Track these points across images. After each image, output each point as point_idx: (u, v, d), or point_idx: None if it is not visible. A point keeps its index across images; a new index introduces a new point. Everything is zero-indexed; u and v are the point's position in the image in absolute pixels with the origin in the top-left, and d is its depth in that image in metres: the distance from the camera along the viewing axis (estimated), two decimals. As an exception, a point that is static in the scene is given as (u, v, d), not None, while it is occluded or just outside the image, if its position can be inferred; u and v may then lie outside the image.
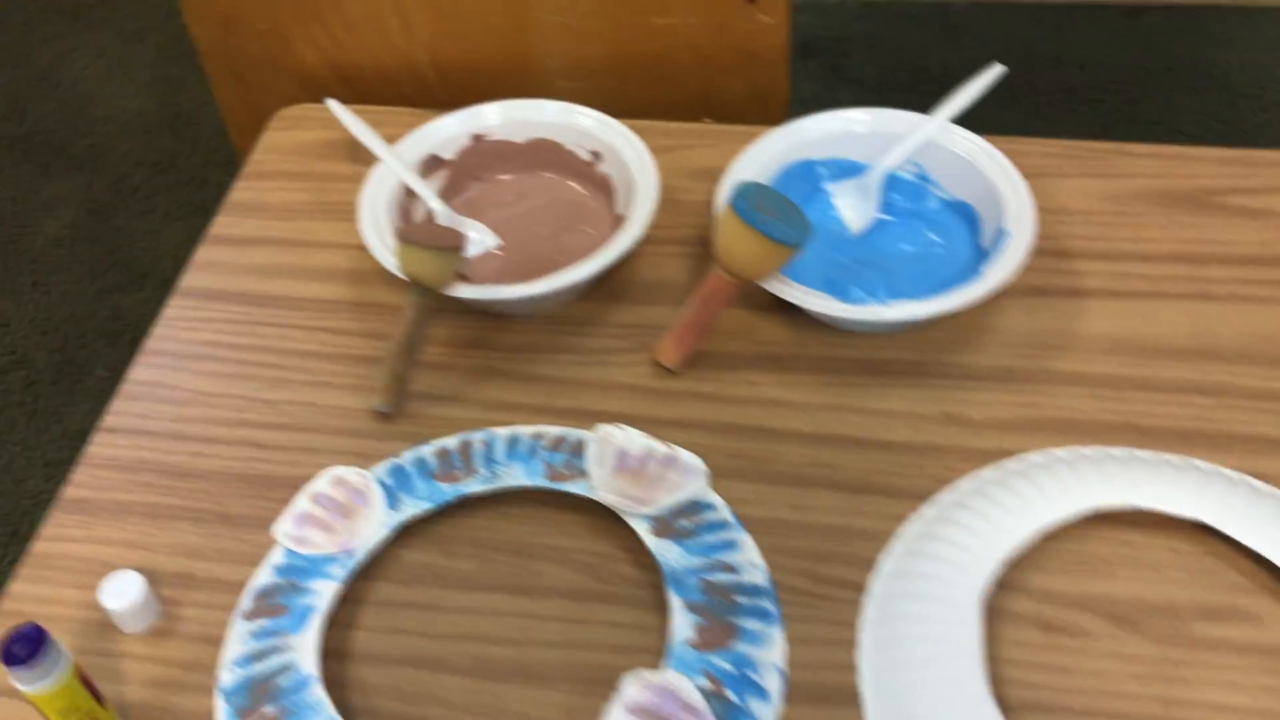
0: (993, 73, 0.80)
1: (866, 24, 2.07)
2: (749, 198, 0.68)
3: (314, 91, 0.94)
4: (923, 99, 1.93)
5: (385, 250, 0.74)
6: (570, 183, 0.84)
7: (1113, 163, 0.84)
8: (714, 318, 0.72)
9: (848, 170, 0.82)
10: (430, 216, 0.81)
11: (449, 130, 0.83)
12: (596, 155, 0.82)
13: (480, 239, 0.81)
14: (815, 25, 2.08)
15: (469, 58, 0.92)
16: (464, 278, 0.77)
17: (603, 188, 0.83)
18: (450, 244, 0.70)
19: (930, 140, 0.80)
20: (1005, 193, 0.75)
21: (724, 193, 0.76)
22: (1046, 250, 0.79)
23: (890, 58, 1.99)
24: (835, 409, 0.71)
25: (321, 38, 0.92)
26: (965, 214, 0.78)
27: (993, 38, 2.02)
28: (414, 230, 0.70)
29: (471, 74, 0.93)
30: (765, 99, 0.95)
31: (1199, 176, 0.83)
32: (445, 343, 0.77)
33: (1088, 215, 0.81)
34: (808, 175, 0.81)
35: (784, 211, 0.69)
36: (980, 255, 0.76)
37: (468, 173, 0.84)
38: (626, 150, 0.80)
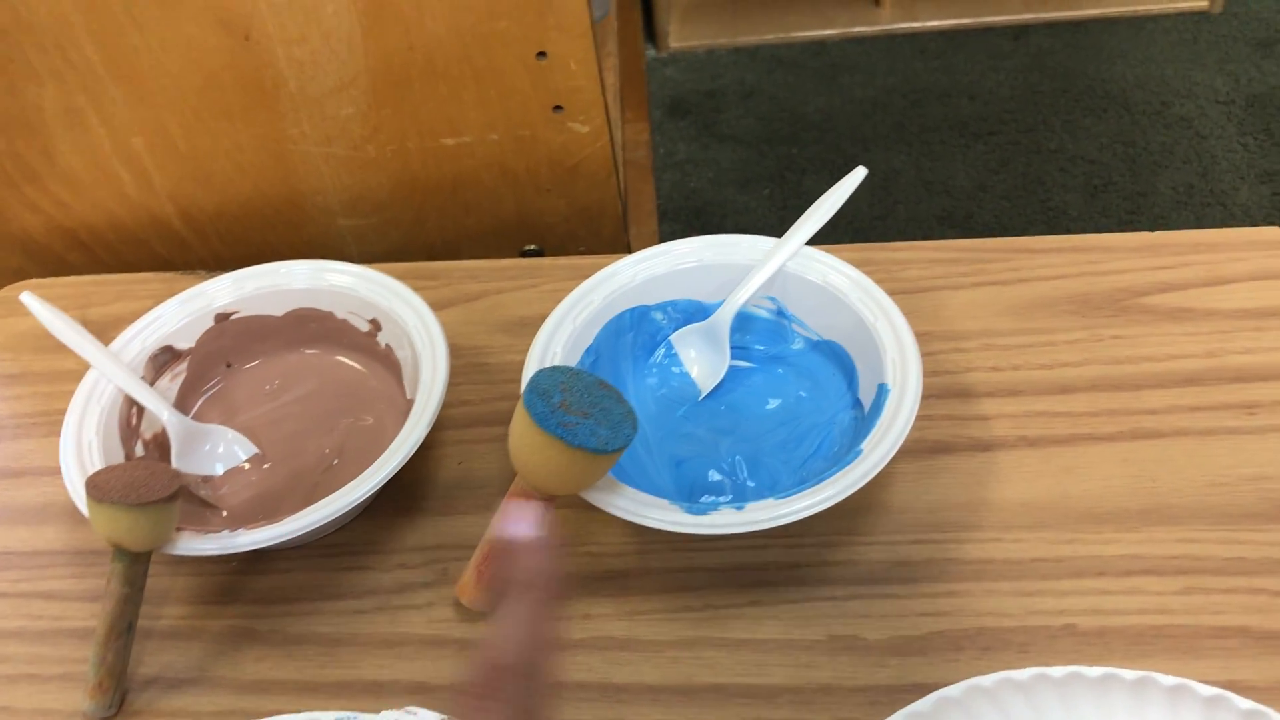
0: (854, 178, 0.65)
1: (739, 73, 1.92)
2: (547, 393, 0.52)
3: (46, 263, 0.77)
4: (805, 149, 1.79)
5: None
6: (345, 360, 0.67)
7: (1012, 264, 0.69)
8: (524, 542, 0.55)
9: (693, 313, 0.65)
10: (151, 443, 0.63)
11: (178, 312, 0.65)
12: (375, 323, 0.65)
13: (230, 451, 0.63)
14: (684, 80, 1.93)
15: (224, 205, 0.75)
16: (210, 505, 0.60)
17: (386, 363, 0.66)
18: (158, 495, 0.52)
19: (785, 268, 0.64)
20: (879, 332, 0.59)
21: (530, 372, 0.60)
22: (941, 391, 0.63)
23: (767, 107, 1.85)
24: (693, 645, 0.55)
25: (40, 199, 0.74)
26: (836, 356, 0.63)
27: (874, 74, 1.89)
28: (105, 481, 0.53)
29: (232, 223, 0.76)
30: (595, 216, 0.78)
31: (1116, 272, 0.68)
32: (183, 598, 0.59)
33: (988, 338, 0.66)
34: (643, 325, 0.65)
35: (597, 402, 0.53)
36: (859, 411, 0.60)
37: (214, 361, 0.67)
38: (405, 312, 0.63)
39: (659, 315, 0.65)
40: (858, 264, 0.67)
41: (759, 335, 0.65)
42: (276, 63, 0.69)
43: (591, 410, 0.52)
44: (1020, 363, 0.64)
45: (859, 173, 0.65)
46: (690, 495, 0.60)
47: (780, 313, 0.65)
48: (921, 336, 0.66)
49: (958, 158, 1.73)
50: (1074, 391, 0.62)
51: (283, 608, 0.58)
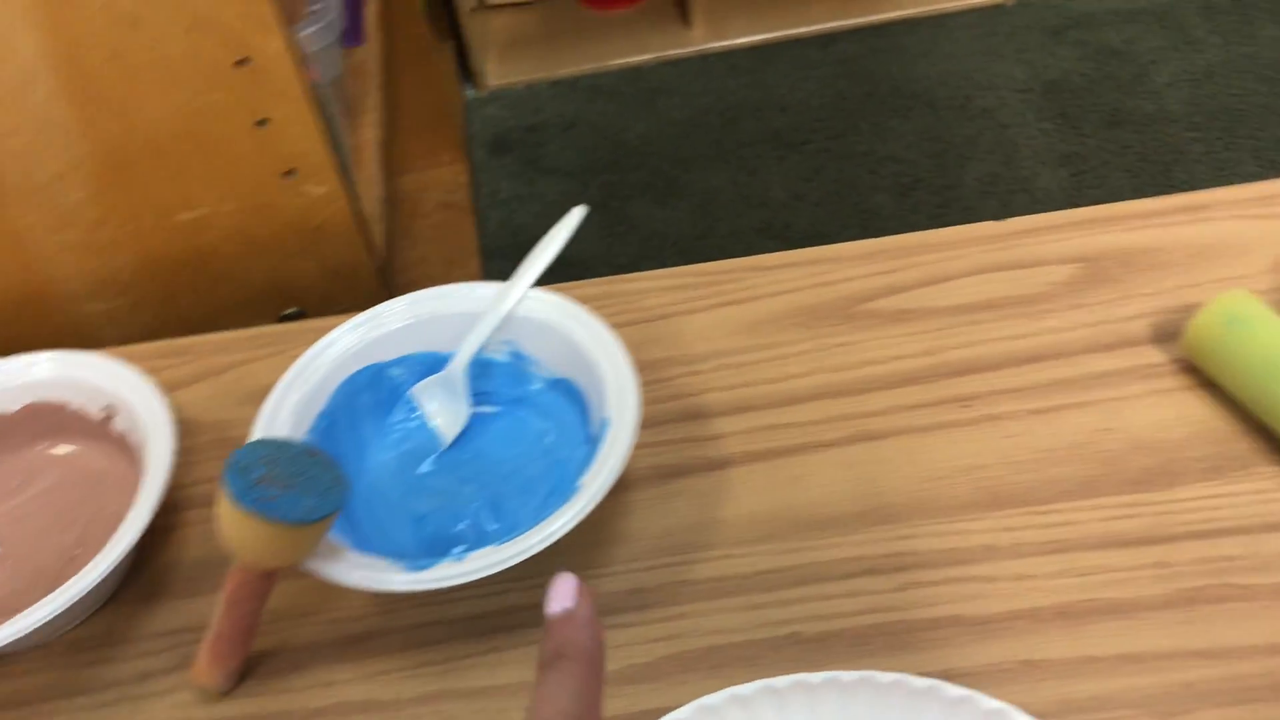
0: (574, 218, 0.66)
1: (559, 105, 1.94)
2: (246, 469, 0.51)
3: None
4: (627, 175, 1.82)
5: None
6: (84, 449, 0.66)
7: (746, 283, 0.71)
8: (253, 616, 0.55)
9: (432, 365, 0.66)
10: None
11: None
12: (109, 409, 0.64)
13: (-36, 557, 0.62)
14: (505, 117, 1.94)
15: (-41, 303, 0.74)
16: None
17: (122, 448, 0.65)
18: None
19: (516, 312, 0.65)
20: (603, 366, 0.61)
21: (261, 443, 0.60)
22: (678, 416, 0.65)
23: (589, 137, 1.87)
24: (433, 699, 0.55)
25: None
26: (571, 393, 0.64)
27: (690, 95, 1.92)
28: None
29: (-27, 319, 0.75)
30: (349, 274, 0.79)
31: (843, 281, 0.70)
32: (-81, 717, 0.58)
33: (721, 357, 0.67)
34: (380, 383, 0.65)
35: (303, 471, 0.53)
36: (592, 446, 0.61)
37: (-53, 466, 0.65)
38: (133, 395, 0.63)
39: (397, 371, 0.65)
40: (598, 298, 0.68)
41: (500, 380, 0.66)
42: (-5, 156, 0.68)
43: (296, 481, 0.52)
44: (751, 379, 0.66)
45: (577, 213, 0.66)
46: (433, 549, 0.60)
47: (517, 355, 0.65)
48: (660, 363, 0.67)
49: (773, 170, 1.76)
50: (801, 402, 0.64)
51: (25, 711, 0.57)
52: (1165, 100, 1.77)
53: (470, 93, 1.99)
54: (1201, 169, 1.66)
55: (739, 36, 1.99)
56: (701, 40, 1.99)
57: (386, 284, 0.82)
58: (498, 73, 2.00)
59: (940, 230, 0.72)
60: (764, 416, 0.64)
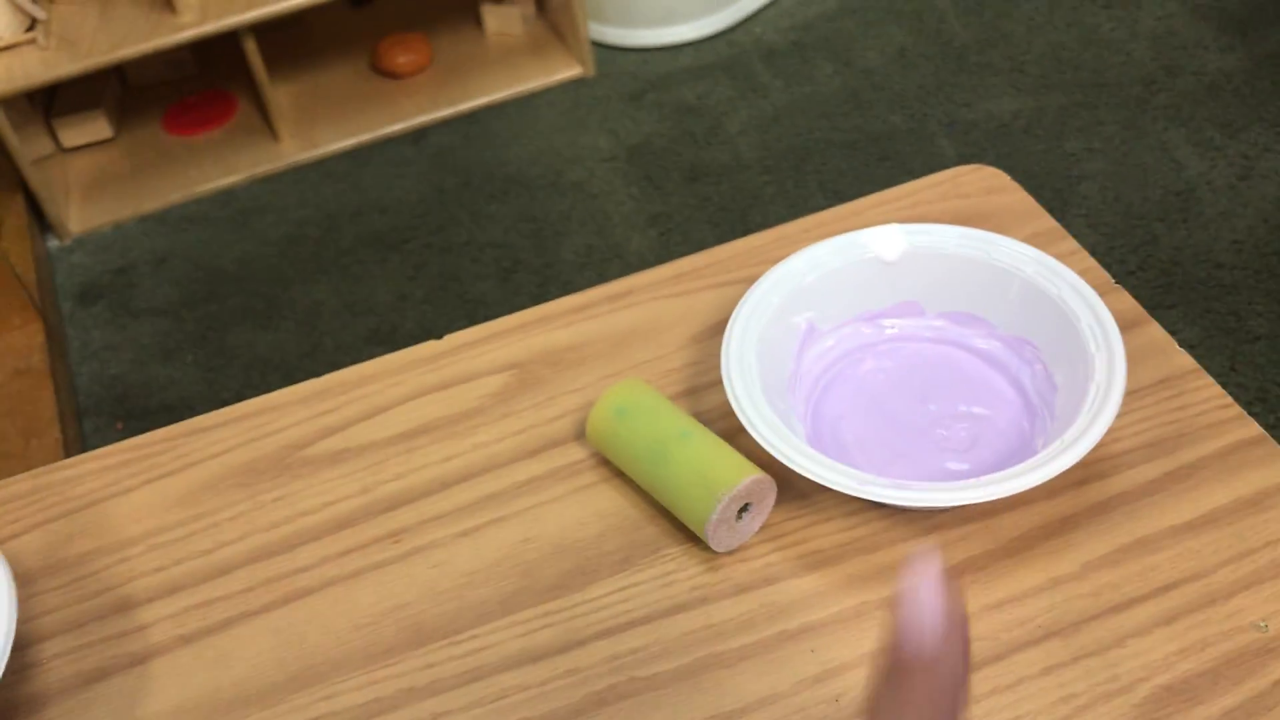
0: None
1: (150, 242, 1.87)
2: None
3: None
4: (225, 303, 1.76)
5: None
6: None
7: (181, 450, 0.68)
8: None
9: None
10: None
11: None
12: None
13: None
14: (92, 263, 1.85)
15: None
16: None
17: None
18: None
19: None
20: None
21: None
22: (100, 613, 0.61)
23: (183, 270, 1.80)
24: None
25: None
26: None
27: (285, 210, 1.89)
28: None
29: None
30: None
31: (282, 429, 0.69)
32: None
33: (151, 539, 0.64)
34: None
35: None
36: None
37: None
38: None
39: None
40: (21, 497, 0.64)
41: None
42: None
43: None
44: (182, 555, 0.63)
45: None
46: None
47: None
48: (86, 556, 0.64)
49: (377, 273, 1.75)
50: (231, 570, 0.62)
51: None
52: (738, 148, 1.87)
53: (53, 243, 1.88)
54: (776, 208, 1.76)
55: (329, 144, 1.97)
56: (292, 153, 1.96)
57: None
58: (81, 218, 1.90)
59: (379, 359, 0.72)
60: (194, 594, 0.61)
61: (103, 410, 1.60)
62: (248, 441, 0.68)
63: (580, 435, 0.66)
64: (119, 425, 1.56)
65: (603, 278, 1.69)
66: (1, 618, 0.54)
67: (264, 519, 0.64)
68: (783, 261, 0.65)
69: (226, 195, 1.92)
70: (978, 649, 0.54)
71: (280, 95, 2.03)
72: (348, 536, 0.63)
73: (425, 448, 0.66)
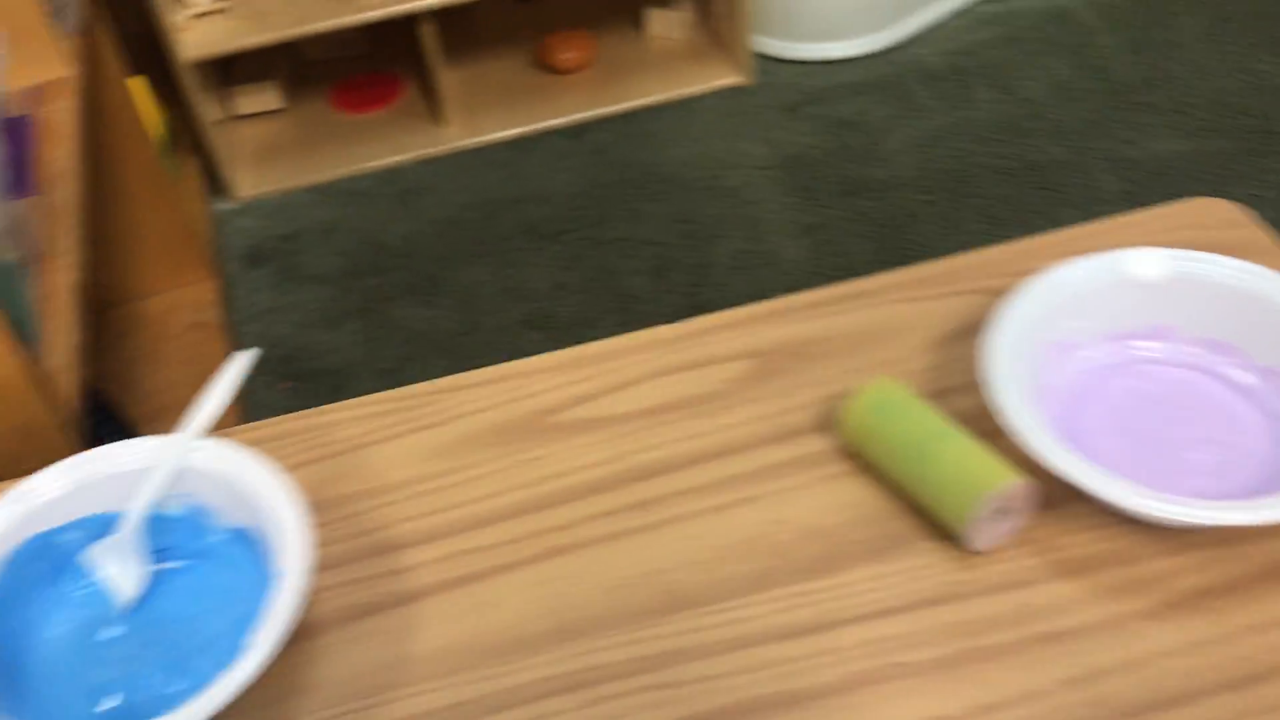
0: (240, 364, 0.65)
1: (316, 212, 1.93)
2: None
3: None
4: (388, 277, 1.81)
5: None
6: None
7: (439, 406, 0.72)
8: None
9: (107, 525, 0.64)
10: None
11: None
12: None
13: None
14: (260, 227, 1.91)
15: None
16: None
17: None
18: None
19: (191, 463, 0.63)
20: (275, 511, 0.60)
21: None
22: (367, 552, 0.64)
23: (347, 242, 1.86)
24: None
25: None
26: (251, 543, 0.63)
27: (448, 193, 1.94)
28: None
29: None
30: (34, 433, 0.76)
31: (535, 394, 0.72)
32: None
33: (413, 486, 0.67)
34: (49, 553, 0.63)
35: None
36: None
37: None
38: None
39: (69, 536, 0.63)
40: (278, 438, 0.68)
41: (179, 534, 0.64)
42: None
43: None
44: (444, 504, 0.66)
45: (244, 359, 0.66)
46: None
47: (195, 508, 0.64)
48: (349, 498, 0.67)
49: (533, 260, 1.79)
50: (493, 523, 0.65)
51: None
52: (895, 166, 1.88)
53: (222, 205, 1.95)
54: (931, 228, 1.77)
55: (493, 132, 2.01)
56: (456, 138, 2.01)
57: (85, 433, 0.80)
58: (250, 183, 1.97)
59: (621, 337, 0.74)
60: (456, 542, 0.64)
61: (266, 370, 1.66)
62: (504, 403, 0.71)
63: (822, 426, 0.67)
64: (285, 384, 1.61)
65: (757, 283, 1.71)
66: (298, 543, 0.58)
67: (520, 477, 0.67)
68: (1040, 274, 0.66)
69: (391, 173, 1.98)
70: (1237, 668, 0.55)
71: (448, 81, 2.08)
72: (599, 500, 0.65)
73: (672, 423, 0.69)
